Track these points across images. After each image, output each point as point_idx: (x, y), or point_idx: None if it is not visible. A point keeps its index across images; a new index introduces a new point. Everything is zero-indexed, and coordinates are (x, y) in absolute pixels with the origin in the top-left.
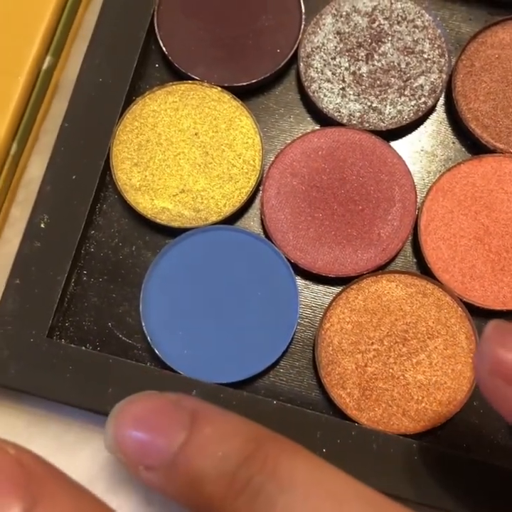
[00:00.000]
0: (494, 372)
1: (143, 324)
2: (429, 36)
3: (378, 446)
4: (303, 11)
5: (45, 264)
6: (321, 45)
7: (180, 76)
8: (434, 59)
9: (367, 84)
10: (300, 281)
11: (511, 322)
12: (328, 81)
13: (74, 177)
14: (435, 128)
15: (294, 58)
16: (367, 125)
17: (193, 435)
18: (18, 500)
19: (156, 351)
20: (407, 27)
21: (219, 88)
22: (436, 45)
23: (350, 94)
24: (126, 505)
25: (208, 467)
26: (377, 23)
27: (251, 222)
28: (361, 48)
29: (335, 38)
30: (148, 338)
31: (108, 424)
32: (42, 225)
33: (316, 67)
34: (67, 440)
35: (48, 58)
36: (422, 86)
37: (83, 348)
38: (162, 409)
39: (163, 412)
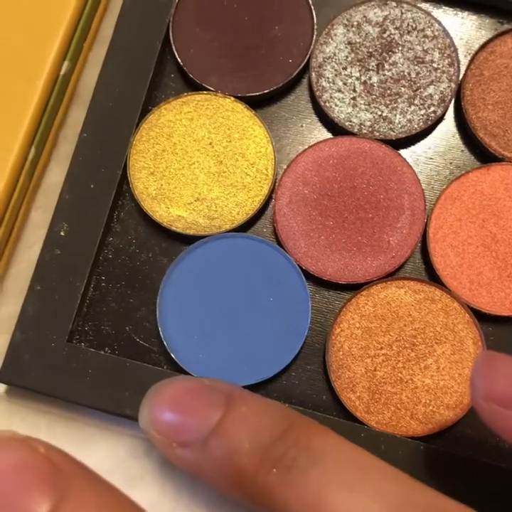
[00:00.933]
0: (488, 399)
1: (159, 329)
2: (439, 46)
3: (386, 448)
4: (315, 21)
5: (65, 271)
6: (332, 55)
7: (194, 86)
8: (444, 68)
9: (377, 94)
10: (311, 288)
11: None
12: (340, 91)
13: (92, 186)
14: (444, 137)
15: (306, 68)
16: (377, 134)
17: (230, 412)
18: (47, 496)
19: (172, 355)
20: (417, 37)
21: (232, 98)
22: (445, 55)
23: (361, 104)
24: (141, 500)
25: (244, 441)
26: (387, 32)
27: (263, 229)
28: (372, 58)
29: (346, 47)
30: (165, 342)
31: (143, 405)
32: (62, 233)
33: (328, 77)
34: (86, 438)
35: (66, 63)
36: (431, 95)
37: (102, 352)
38: (198, 391)
39: (199, 393)
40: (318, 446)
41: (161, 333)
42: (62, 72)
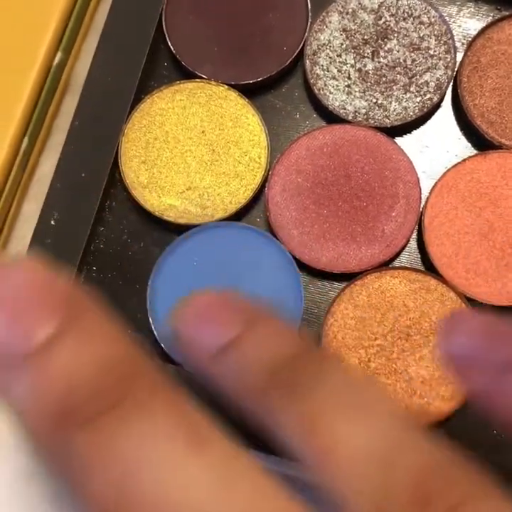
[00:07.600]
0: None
1: (150, 320)
2: (436, 32)
3: None
4: (309, 8)
5: (55, 261)
6: (327, 42)
7: (187, 74)
8: (440, 55)
9: (372, 81)
10: (305, 277)
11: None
12: (334, 78)
13: (83, 175)
14: (440, 124)
15: (300, 56)
16: (372, 122)
17: (250, 328)
18: (54, 317)
19: (163, 346)
20: (413, 23)
21: (226, 86)
22: (442, 42)
23: (355, 91)
24: None
25: (261, 357)
26: (383, 19)
27: (256, 219)
28: (367, 45)
29: (341, 35)
30: (155, 333)
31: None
32: (52, 223)
33: (322, 65)
34: None
35: (59, 54)
36: (427, 82)
37: None
38: (220, 304)
39: (222, 306)
40: (329, 370)
41: (151, 324)
42: (55, 63)
